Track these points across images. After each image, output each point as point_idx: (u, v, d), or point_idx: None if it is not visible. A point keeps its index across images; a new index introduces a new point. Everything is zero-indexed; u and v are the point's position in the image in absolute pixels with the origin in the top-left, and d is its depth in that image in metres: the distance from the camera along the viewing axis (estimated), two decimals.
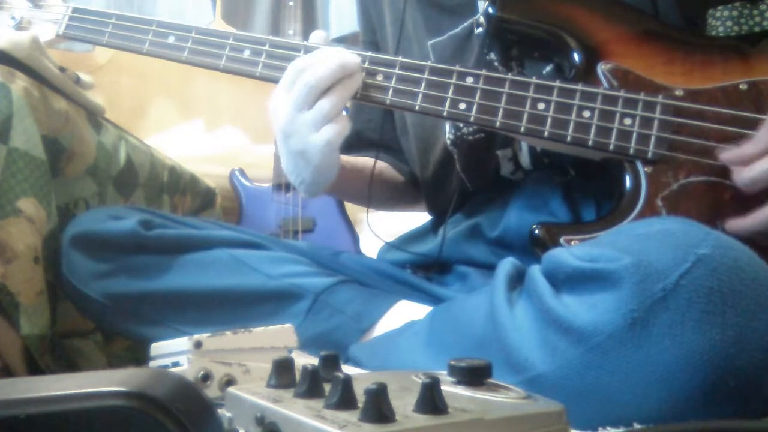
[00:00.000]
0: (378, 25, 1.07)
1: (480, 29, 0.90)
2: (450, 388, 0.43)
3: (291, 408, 0.39)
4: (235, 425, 0.43)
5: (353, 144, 1.12)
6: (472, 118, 0.81)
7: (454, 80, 0.82)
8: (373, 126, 1.10)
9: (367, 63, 0.85)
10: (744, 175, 0.72)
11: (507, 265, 0.69)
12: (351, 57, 0.83)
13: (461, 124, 0.92)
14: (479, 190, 0.95)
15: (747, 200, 0.72)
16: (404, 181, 1.13)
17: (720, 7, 0.82)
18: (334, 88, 0.81)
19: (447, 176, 0.97)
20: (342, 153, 1.09)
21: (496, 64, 0.90)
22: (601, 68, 0.80)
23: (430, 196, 1.04)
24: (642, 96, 0.77)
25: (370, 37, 1.09)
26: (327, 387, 0.40)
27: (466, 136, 0.92)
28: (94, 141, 1.02)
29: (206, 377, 0.62)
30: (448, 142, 0.94)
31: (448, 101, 0.82)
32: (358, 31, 1.16)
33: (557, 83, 0.79)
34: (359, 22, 1.13)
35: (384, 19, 1.04)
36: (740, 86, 0.76)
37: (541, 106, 0.79)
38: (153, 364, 0.67)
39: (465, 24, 0.93)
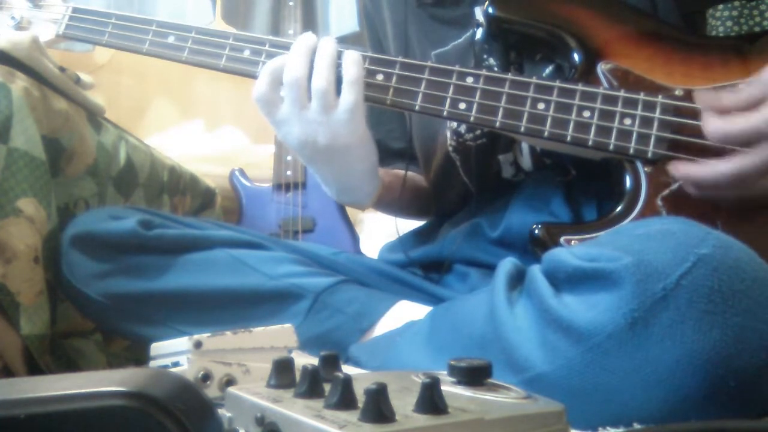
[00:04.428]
0: (383, 38, 1.07)
1: (480, 29, 0.90)
2: (450, 388, 0.43)
3: (291, 408, 0.39)
4: (235, 425, 0.43)
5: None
6: (472, 118, 0.81)
7: (454, 80, 0.82)
8: (394, 135, 1.10)
9: (367, 63, 0.85)
10: (716, 127, 0.69)
11: (507, 264, 0.69)
12: (304, 35, 0.85)
13: (462, 131, 0.92)
14: (482, 192, 0.95)
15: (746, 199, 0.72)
16: None
17: (720, 7, 0.83)
18: (314, 67, 0.82)
19: (449, 181, 0.97)
20: None
21: (495, 68, 0.90)
22: (601, 68, 0.80)
23: (435, 199, 1.04)
24: (642, 96, 0.77)
25: (378, 51, 1.09)
26: (327, 387, 0.40)
27: (468, 142, 0.92)
28: (94, 141, 1.02)
29: (206, 377, 0.62)
30: (450, 149, 0.94)
31: (448, 101, 0.82)
32: (358, 32, 1.16)
33: (557, 83, 0.79)
34: (367, 36, 1.13)
35: (387, 32, 1.04)
36: (740, 86, 0.76)
37: (541, 105, 0.79)
38: (153, 364, 0.67)
39: (467, 34, 0.93)
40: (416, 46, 0.98)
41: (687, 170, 0.71)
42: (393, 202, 1.06)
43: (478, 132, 0.91)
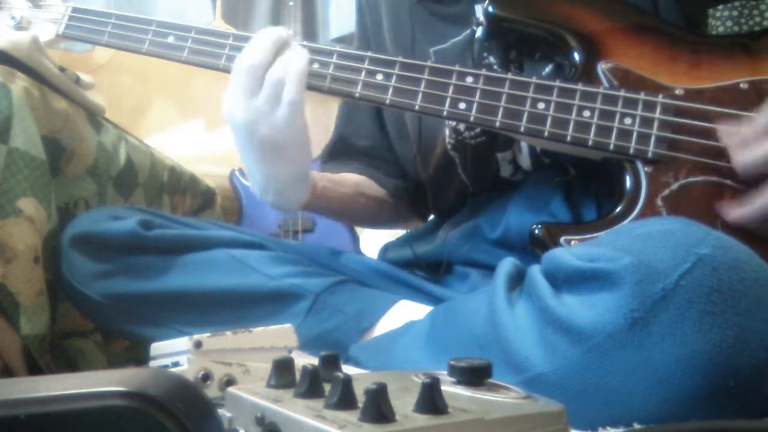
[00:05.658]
0: (373, 34, 1.06)
1: (480, 29, 0.91)
2: (450, 388, 0.43)
3: (291, 408, 0.39)
4: (235, 425, 0.43)
5: (338, 151, 1.12)
6: (471, 118, 0.81)
7: (453, 80, 0.82)
8: (362, 133, 1.10)
9: (366, 63, 0.85)
10: (740, 158, 0.72)
11: (507, 264, 0.69)
12: (276, 28, 0.85)
13: (461, 128, 0.92)
14: (480, 191, 0.95)
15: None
16: (386, 195, 1.11)
17: (720, 7, 0.83)
18: (276, 61, 0.82)
19: (448, 179, 0.97)
20: (327, 161, 1.09)
21: (495, 67, 0.90)
22: (602, 67, 0.80)
23: (432, 198, 1.04)
24: (642, 95, 0.77)
25: (364, 49, 1.09)
26: (327, 387, 0.40)
27: (467, 140, 0.92)
28: (94, 141, 1.02)
29: (206, 377, 0.62)
30: (449, 146, 0.94)
31: (448, 101, 0.82)
32: None
33: (557, 83, 0.79)
34: (356, 33, 1.13)
35: (381, 27, 1.04)
36: (741, 85, 0.76)
37: (541, 105, 0.79)
38: (153, 364, 0.67)
39: (467, 31, 0.93)
40: (415, 43, 0.98)
41: (736, 215, 0.72)
42: (325, 209, 1.04)
43: (478, 130, 0.91)
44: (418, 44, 0.97)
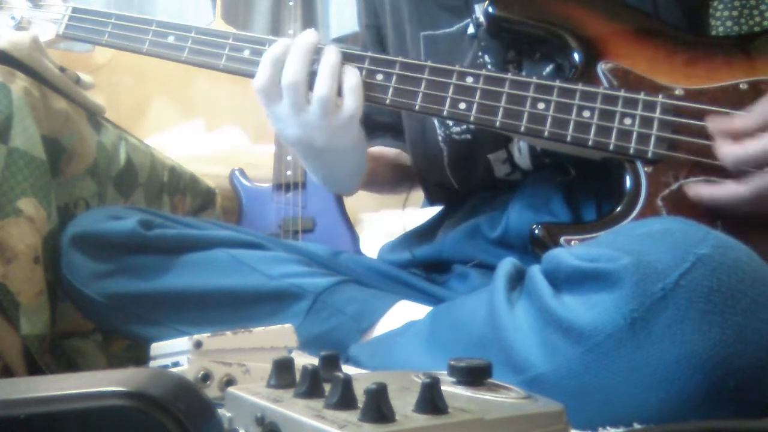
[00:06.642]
0: (380, 9, 1.07)
1: (471, 27, 0.91)
2: (450, 388, 0.43)
3: (291, 408, 0.39)
4: (235, 425, 0.43)
5: (365, 128, 1.13)
6: (472, 118, 0.81)
7: (454, 80, 0.82)
8: (382, 110, 1.11)
9: (367, 63, 0.85)
10: (730, 151, 0.71)
11: (507, 264, 0.69)
12: (305, 33, 0.86)
13: (450, 123, 0.92)
14: (466, 190, 0.96)
15: None
16: None
17: (720, 7, 0.83)
18: (318, 73, 0.83)
19: (436, 171, 0.97)
20: None
21: (490, 67, 0.90)
22: (602, 68, 0.80)
23: (424, 189, 1.06)
24: (642, 95, 0.77)
25: (373, 20, 1.09)
26: (327, 387, 0.40)
27: (453, 136, 0.93)
28: (94, 141, 1.02)
29: (206, 377, 0.62)
30: (440, 138, 0.94)
31: (448, 101, 0.82)
32: (358, 31, 1.16)
33: (557, 83, 0.79)
34: (361, 6, 1.13)
35: (384, 5, 1.04)
36: (740, 86, 0.76)
37: (541, 105, 0.79)
38: (153, 364, 0.67)
39: (460, 24, 0.93)
40: (407, 25, 0.98)
41: (709, 192, 0.72)
42: (375, 185, 1.13)
43: (464, 127, 0.92)
44: (411, 27, 0.98)
